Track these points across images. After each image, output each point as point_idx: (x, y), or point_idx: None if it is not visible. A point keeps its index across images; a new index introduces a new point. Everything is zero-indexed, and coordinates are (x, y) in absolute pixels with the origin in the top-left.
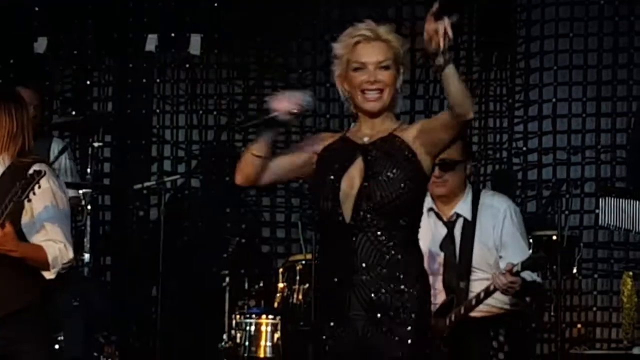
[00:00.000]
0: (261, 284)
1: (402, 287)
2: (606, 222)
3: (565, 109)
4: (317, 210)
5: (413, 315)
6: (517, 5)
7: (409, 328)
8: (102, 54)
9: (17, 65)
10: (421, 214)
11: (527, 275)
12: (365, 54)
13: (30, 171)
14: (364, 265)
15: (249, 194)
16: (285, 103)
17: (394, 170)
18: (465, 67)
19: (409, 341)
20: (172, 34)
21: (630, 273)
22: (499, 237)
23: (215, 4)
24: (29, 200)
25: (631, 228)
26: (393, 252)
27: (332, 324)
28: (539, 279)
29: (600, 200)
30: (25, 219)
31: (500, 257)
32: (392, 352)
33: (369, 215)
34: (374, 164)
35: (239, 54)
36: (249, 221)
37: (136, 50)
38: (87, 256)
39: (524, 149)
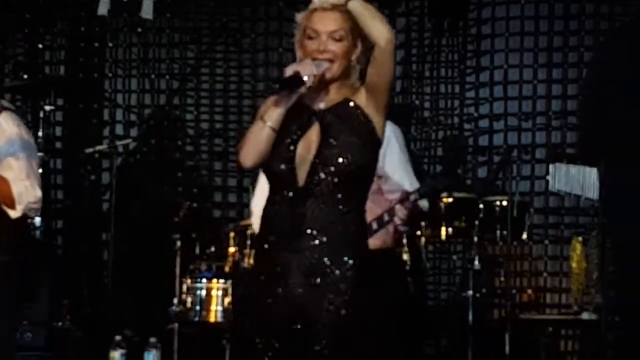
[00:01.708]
0: (212, 249)
1: (346, 257)
2: (557, 187)
3: (516, 76)
4: (271, 173)
5: (351, 286)
6: None
7: (346, 298)
8: (54, 17)
9: None
10: (372, 181)
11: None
12: (319, 22)
13: None
14: (311, 231)
15: (201, 158)
16: (307, 66)
17: (350, 136)
18: (417, 33)
19: (342, 311)
20: None
21: (580, 238)
22: (383, 163)
23: None
24: None
25: (581, 194)
26: (342, 220)
27: (273, 287)
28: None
29: (551, 166)
30: None
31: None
32: (323, 319)
33: (323, 180)
34: (330, 129)
35: (192, 18)
36: (200, 185)
37: (88, 14)
38: (38, 220)
39: (475, 115)
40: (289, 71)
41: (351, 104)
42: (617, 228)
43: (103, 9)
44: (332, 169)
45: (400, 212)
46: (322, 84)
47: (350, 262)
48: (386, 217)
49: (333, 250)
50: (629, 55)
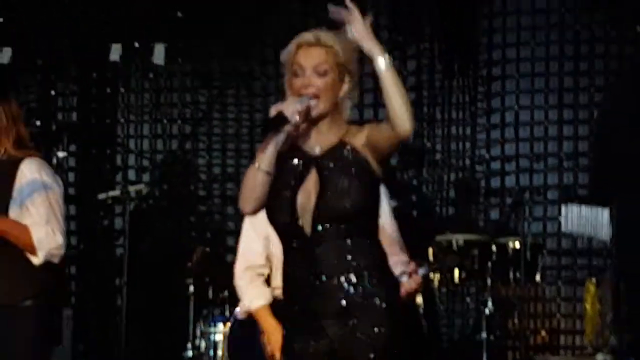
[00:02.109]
0: (225, 293)
1: (371, 289)
2: (569, 229)
3: (527, 117)
4: (276, 226)
5: (383, 315)
6: (480, 13)
7: (382, 329)
8: (66, 64)
9: None
10: (378, 214)
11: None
12: (304, 58)
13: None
14: (329, 273)
15: (213, 203)
16: (291, 105)
17: (348, 180)
18: (427, 75)
19: (382, 343)
20: (136, 44)
21: (593, 280)
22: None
23: (179, 14)
24: (8, 185)
25: (594, 235)
26: (357, 256)
27: (304, 333)
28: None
29: (563, 207)
30: (13, 207)
31: None
32: (367, 355)
33: (328, 226)
34: (328, 177)
35: (203, 62)
36: (213, 230)
37: (100, 60)
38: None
39: (487, 156)
40: (272, 111)
41: (347, 147)
42: (630, 269)
43: (115, 55)
44: (335, 216)
45: (408, 285)
46: (311, 123)
47: (377, 292)
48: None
49: (354, 287)
50: (636, 92)
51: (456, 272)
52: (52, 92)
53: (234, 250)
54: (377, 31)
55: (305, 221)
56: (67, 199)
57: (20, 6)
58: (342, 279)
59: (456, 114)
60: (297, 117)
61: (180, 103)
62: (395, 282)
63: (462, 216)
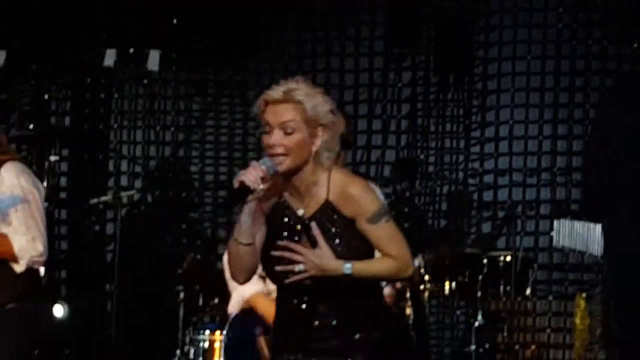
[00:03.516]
0: (216, 301)
1: (358, 334)
2: (561, 244)
3: (521, 131)
4: (270, 276)
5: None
6: (476, 27)
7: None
8: (60, 68)
9: None
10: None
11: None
12: (270, 115)
13: None
14: (319, 320)
15: (205, 211)
16: (251, 173)
17: (336, 240)
18: (422, 87)
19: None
20: (131, 50)
21: (584, 295)
22: None
23: (174, 21)
24: None
25: (585, 250)
26: (348, 302)
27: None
28: None
29: (555, 222)
30: None
31: None
32: None
33: (324, 283)
34: (316, 241)
35: (197, 71)
36: (204, 237)
37: (94, 65)
38: (42, 270)
39: (480, 170)
40: (235, 183)
41: (331, 209)
42: (621, 285)
43: (109, 61)
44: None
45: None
46: (285, 178)
47: (365, 337)
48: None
49: (345, 330)
50: (630, 109)
51: (447, 284)
52: (46, 96)
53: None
54: (372, 42)
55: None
56: (59, 203)
57: (14, 10)
58: (331, 326)
59: (450, 126)
60: (261, 184)
61: (174, 110)
62: (388, 327)
63: (454, 229)
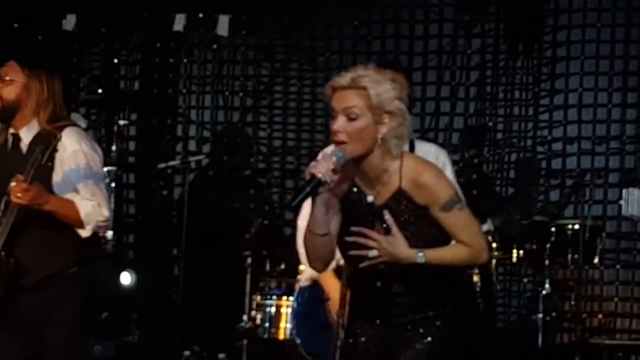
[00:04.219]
0: (282, 266)
1: (432, 311)
2: (629, 212)
3: (591, 99)
4: (344, 256)
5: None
6: None
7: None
8: (130, 33)
9: (46, 42)
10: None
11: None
12: (335, 102)
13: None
14: (395, 297)
15: (273, 176)
16: (322, 165)
17: (410, 228)
18: (492, 55)
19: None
20: (200, 14)
21: None
22: None
23: None
24: (50, 164)
25: None
26: (423, 283)
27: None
28: None
29: (624, 190)
30: (56, 179)
31: None
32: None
33: (395, 266)
34: (389, 229)
35: (267, 36)
36: (272, 203)
37: (164, 30)
38: (110, 234)
39: (549, 137)
40: (306, 175)
41: (404, 197)
42: None
43: (178, 25)
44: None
45: None
46: (355, 165)
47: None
48: None
49: (420, 311)
50: None
51: (514, 252)
52: (115, 61)
53: (291, 224)
54: (442, 9)
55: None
56: (127, 168)
57: None
58: (405, 303)
59: (519, 94)
60: (332, 175)
61: (243, 75)
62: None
63: (522, 196)
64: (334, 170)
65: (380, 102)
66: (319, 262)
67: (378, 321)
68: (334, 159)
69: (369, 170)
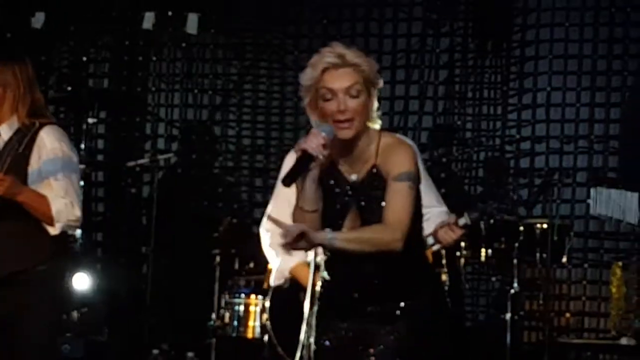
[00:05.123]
0: (251, 265)
1: (402, 302)
2: (597, 211)
3: (559, 98)
4: None
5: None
6: None
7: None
8: (99, 31)
9: (14, 39)
10: (421, 218)
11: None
12: (334, 81)
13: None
14: (365, 278)
15: (242, 174)
16: (312, 140)
17: (382, 204)
18: (460, 54)
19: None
20: (170, 13)
21: (620, 263)
22: None
23: None
24: (28, 152)
25: (622, 218)
26: (394, 265)
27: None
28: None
29: (592, 190)
30: (31, 170)
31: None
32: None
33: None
34: (366, 206)
35: (236, 34)
36: (241, 201)
37: (133, 28)
38: (78, 232)
39: (517, 136)
40: (297, 152)
41: (375, 170)
42: None
43: (148, 23)
44: None
45: (447, 236)
46: (343, 143)
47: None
48: (431, 240)
49: (389, 296)
50: None
51: (482, 251)
52: (84, 59)
53: (260, 222)
54: (411, 8)
55: None
56: (96, 166)
57: None
58: (375, 286)
59: (488, 93)
60: (323, 151)
61: (212, 73)
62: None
63: (491, 196)
64: (324, 146)
65: (373, 76)
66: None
67: (347, 315)
68: (323, 134)
69: (355, 148)
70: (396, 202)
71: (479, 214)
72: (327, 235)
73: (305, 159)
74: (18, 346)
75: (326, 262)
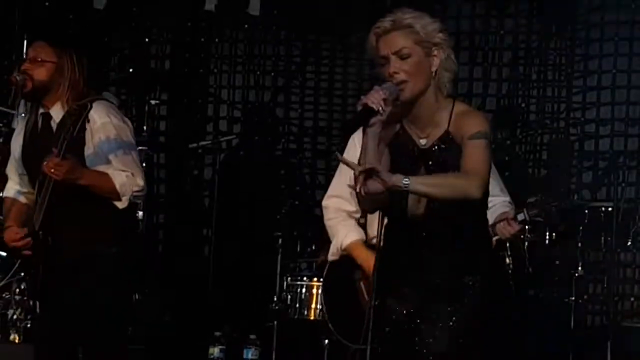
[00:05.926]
0: (313, 247)
1: (467, 277)
2: None
3: (624, 80)
4: (389, 213)
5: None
6: None
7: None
8: (161, 12)
9: (76, 21)
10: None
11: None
12: (383, 47)
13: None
14: (431, 256)
15: (304, 156)
16: (374, 95)
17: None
18: (525, 35)
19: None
20: None
21: None
22: None
23: None
24: (82, 136)
25: None
26: (457, 241)
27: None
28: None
29: None
30: (87, 152)
31: None
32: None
33: (436, 219)
34: (435, 172)
35: (298, 15)
36: (303, 183)
37: (195, 9)
38: (140, 214)
39: (582, 119)
40: (358, 106)
41: (451, 141)
42: None
43: (210, 5)
44: (439, 210)
45: (505, 230)
46: (409, 104)
47: (475, 278)
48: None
49: (453, 270)
50: None
51: (547, 234)
52: (146, 40)
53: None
54: None
55: (419, 210)
56: (158, 147)
57: None
58: (439, 262)
59: (552, 75)
60: (384, 106)
61: (274, 55)
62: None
63: (555, 178)
64: (385, 101)
65: (427, 35)
66: (371, 203)
67: (408, 290)
68: (386, 90)
69: (422, 110)
70: (475, 155)
71: (537, 210)
72: (402, 177)
73: (365, 113)
74: (89, 327)
75: (387, 230)
